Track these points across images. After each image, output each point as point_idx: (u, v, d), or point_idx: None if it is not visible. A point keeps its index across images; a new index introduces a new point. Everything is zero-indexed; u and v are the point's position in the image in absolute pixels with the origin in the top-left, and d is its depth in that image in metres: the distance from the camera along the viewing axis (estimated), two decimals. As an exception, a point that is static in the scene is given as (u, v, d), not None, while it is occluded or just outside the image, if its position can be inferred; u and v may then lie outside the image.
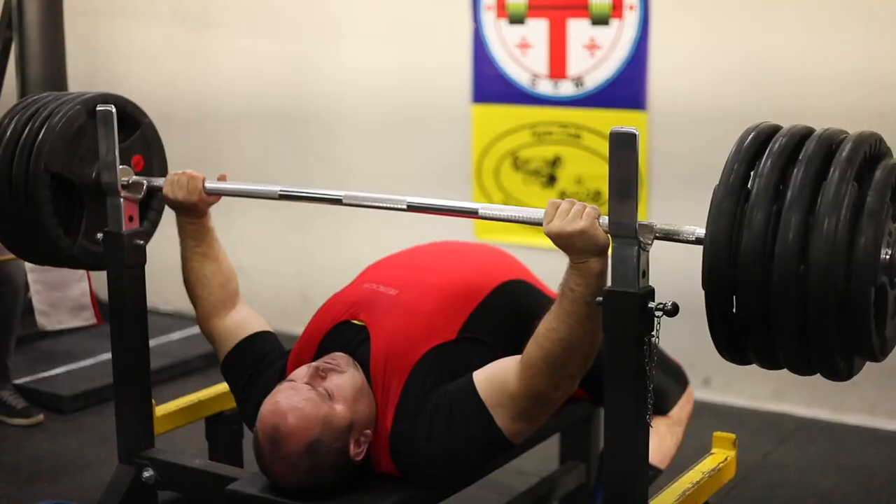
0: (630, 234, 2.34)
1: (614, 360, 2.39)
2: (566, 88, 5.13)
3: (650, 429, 2.47)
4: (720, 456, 2.96)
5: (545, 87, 5.18)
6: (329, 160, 5.89)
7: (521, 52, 5.19)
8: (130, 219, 3.14)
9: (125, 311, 3.18)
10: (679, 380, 3.35)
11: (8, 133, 3.16)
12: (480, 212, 2.70)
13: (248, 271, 6.01)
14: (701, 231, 2.31)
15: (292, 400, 2.59)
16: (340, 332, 2.87)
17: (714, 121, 4.81)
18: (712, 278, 2.20)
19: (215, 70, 6.17)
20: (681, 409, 3.32)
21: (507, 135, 5.31)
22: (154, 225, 3.43)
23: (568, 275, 2.51)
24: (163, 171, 3.37)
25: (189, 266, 3.15)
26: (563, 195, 5.18)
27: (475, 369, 2.74)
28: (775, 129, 2.28)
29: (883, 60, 4.52)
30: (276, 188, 3.02)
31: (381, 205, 2.86)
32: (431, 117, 5.52)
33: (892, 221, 2.18)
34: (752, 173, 2.21)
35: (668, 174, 4.96)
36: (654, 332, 2.38)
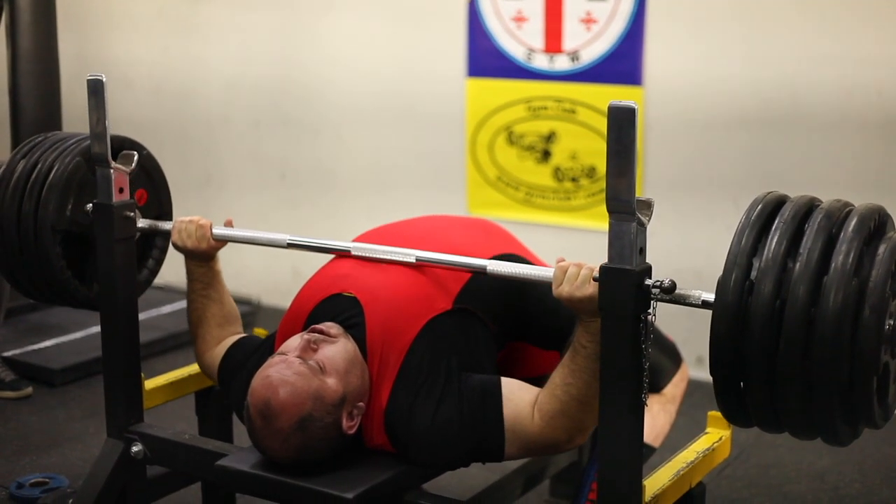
0: (628, 210, 2.31)
1: (610, 337, 2.37)
2: (562, 63, 5.10)
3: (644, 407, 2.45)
4: (715, 435, 2.95)
5: (541, 62, 5.15)
6: (322, 133, 5.86)
7: (517, 25, 5.15)
8: (121, 190, 3.11)
9: (115, 285, 3.15)
10: (673, 357, 3.34)
11: (9, 192, 3.21)
12: (489, 269, 2.71)
13: (240, 246, 5.98)
14: (707, 295, 2.33)
15: (283, 374, 2.57)
16: (331, 304, 2.84)
17: (711, 97, 4.79)
18: (718, 367, 2.25)
19: (208, 42, 6.13)
20: (675, 387, 3.31)
21: (501, 109, 5.28)
22: (158, 263, 3.47)
23: (578, 332, 2.55)
24: (167, 203, 3.43)
25: (193, 307, 3.18)
26: (557, 171, 5.15)
27: (475, 344, 2.76)
28: (777, 207, 2.27)
29: (880, 37, 4.50)
30: (285, 237, 3.08)
31: (389, 256, 2.86)
32: (426, 91, 5.49)
33: (893, 298, 2.20)
34: (754, 261, 2.21)
35: (663, 150, 4.94)
36: (650, 310, 2.36)
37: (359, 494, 2.57)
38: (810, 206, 2.26)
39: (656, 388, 3.23)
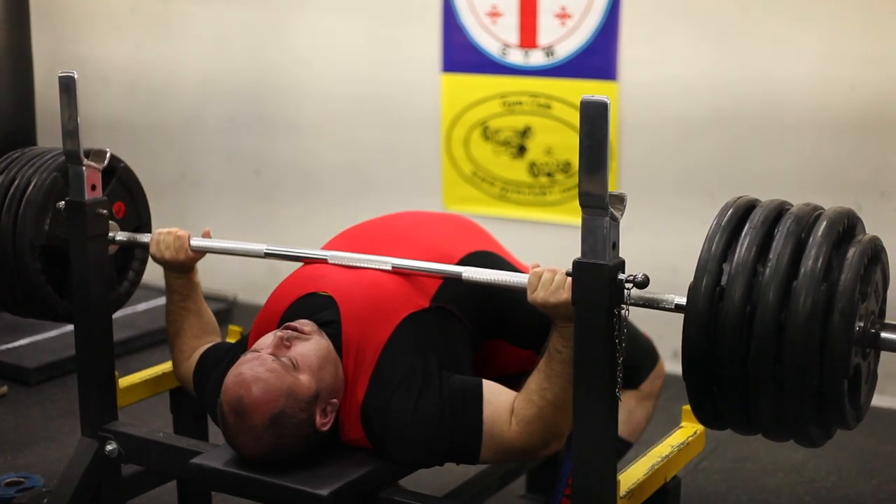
0: (600, 206, 2.31)
1: (584, 332, 2.37)
2: (537, 58, 5.10)
3: (619, 402, 2.45)
4: (689, 430, 2.95)
5: (515, 57, 5.15)
6: (297, 130, 5.85)
7: (492, 20, 5.15)
8: (93, 188, 3.09)
9: (87, 283, 3.14)
10: (650, 354, 3.34)
11: None
12: (464, 275, 2.71)
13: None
14: (680, 299, 2.36)
15: (256, 371, 2.56)
16: (306, 303, 2.84)
17: (686, 92, 4.80)
18: (691, 372, 2.27)
19: (182, 39, 6.12)
20: (651, 383, 3.31)
21: (476, 104, 5.28)
22: (138, 276, 3.46)
23: (554, 337, 2.56)
24: (146, 215, 3.43)
25: (171, 319, 3.18)
26: (533, 166, 5.16)
27: (452, 341, 2.77)
28: (747, 212, 2.28)
29: (853, 32, 4.52)
30: (262, 247, 3.04)
31: (365, 265, 2.87)
32: (401, 87, 5.49)
33: (862, 301, 2.20)
34: (724, 266, 2.23)
35: (638, 145, 4.95)
36: (624, 305, 2.36)
37: (333, 491, 2.56)
38: (780, 211, 2.28)
39: (633, 384, 3.23)
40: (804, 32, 4.60)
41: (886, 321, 2.31)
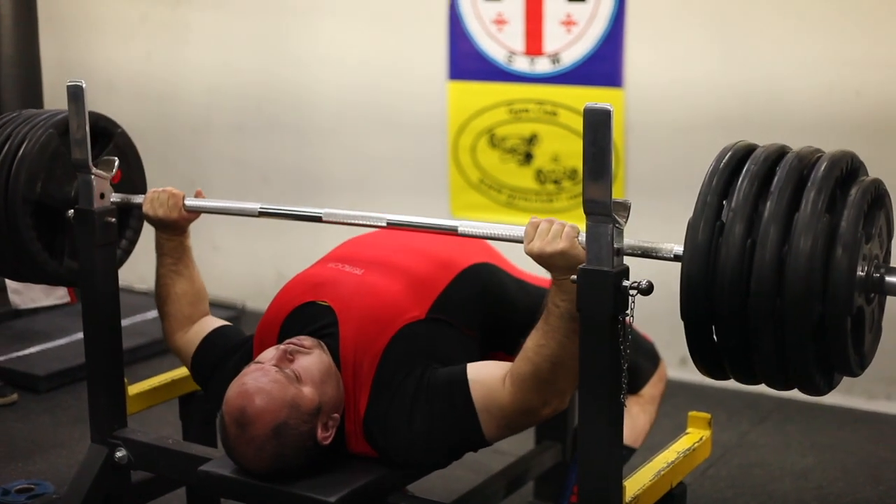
0: (604, 212, 2.32)
1: (588, 339, 2.37)
2: (542, 65, 5.11)
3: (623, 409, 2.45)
4: (695, 435, 2.96)
5: (521, 64, 5.16)
6: (304, 138, 5.86)
7: (498, 28, 5.17)
8: (102, 196, 3.11)
9: (96, 290, 3.15)
10: (651, 358, 3.34)
11: None
12: (460, 229, 2.71)
13: (223, 250, 6.00)
14: (678, 248, 2.33)
15: (259, 382, 2.57)
16: (304, 312, 2.84)
17: (691, 98, 4.81)
18: (690, 312, 2.23)
19: (190, 47, 6.13)
20: (653, 388, 3.31)
21: (483, 112, 5.29)
22: (132, 243, 3.44)
23: (552, 291, 2.52)
24: (141, 182, 3.40)
25: (162, 283, 3.15)
26: (539, 173, 5.17)
27: (449, 351, 2.74)
28: (747, 153, 2.28)
29: (858, 37, 4.52)
30: (256, 206, 3.04)
31: (360, 222, 2.88)
32: (408, 95, 5.50)
33: (865, 241, 2.19)
34: (725, 203, 2.21)
35: (645, 152, 4.96)
36: (628, 311, 2.37)
37: (341, 498, 2.58)
38: (782, 152, 2.26)
39: (635, 389, 3.23)
40: (809, 38, 4.61)
41: (892, 265, 2.26)
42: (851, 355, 2.21)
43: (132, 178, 3.38)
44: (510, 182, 5.27)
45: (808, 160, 2.21)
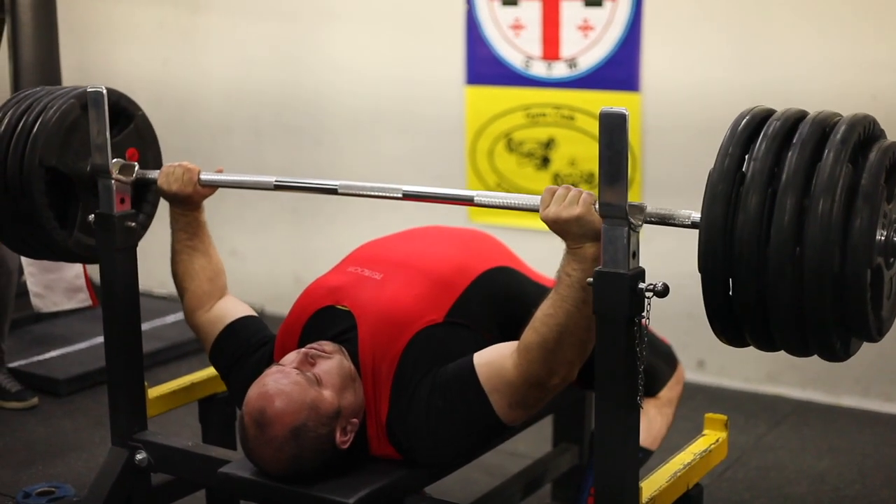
0: (620, 215, 2.34)
1: (604, 341, 2.39)
2: (559, 70, 5.12)
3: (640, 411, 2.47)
4: (711, 437, 2.97)
5: (539, 69, 5.17)
6: (323, 143, 5.88)
7: (515, 33, 5.18)
8: (122, 201, 3.13)
9: (117, 294, 3.17)
10: (668, 360, 3.33)
11: (2, 128, 3.17)
12: (476, 199, 2.70)
13: (242, 254, 6.02)
14: (696, 215, 2.31)
15: (280, 384, 2.59)
16: (324, 317, 2.86)
17: (708, 102, 4.81)
18: (708, 262, 2.21)
19: (208, 52, 6.16)
20: (670, 390, 3.31)
21: (500, 117, 5.30)
22: (149, 218, 3.42)
23: (565, 260, 2.51)
24: (157, 164, 3.37)
25: (179, 259, 3.15)
26: (556, 177, 5.18)
27: (465, 353, 2.73)
28: (769, 113, 2.29)
29: (874, 41, 4.53)
30: (272, 179, 3.03)
31: (376, 193, 2.88)
32: (425, 99, 5.51)
33: (887, 203, 2.19)
34: (746, 157, 2.21)
35: (662, 156, 4.96)
36: (644, 314, 2.38)
37: (360, 499, 2.60)
38: (803, 112, 2.27)
39: (652, 391, 3.23)
40: (826, 42, 4.61)
41: None
42: (870, 315, 2.18)
43: (147, 158, 3.36)
44: (527, 186, 5.28)
45: (829, 120, 2.22)
